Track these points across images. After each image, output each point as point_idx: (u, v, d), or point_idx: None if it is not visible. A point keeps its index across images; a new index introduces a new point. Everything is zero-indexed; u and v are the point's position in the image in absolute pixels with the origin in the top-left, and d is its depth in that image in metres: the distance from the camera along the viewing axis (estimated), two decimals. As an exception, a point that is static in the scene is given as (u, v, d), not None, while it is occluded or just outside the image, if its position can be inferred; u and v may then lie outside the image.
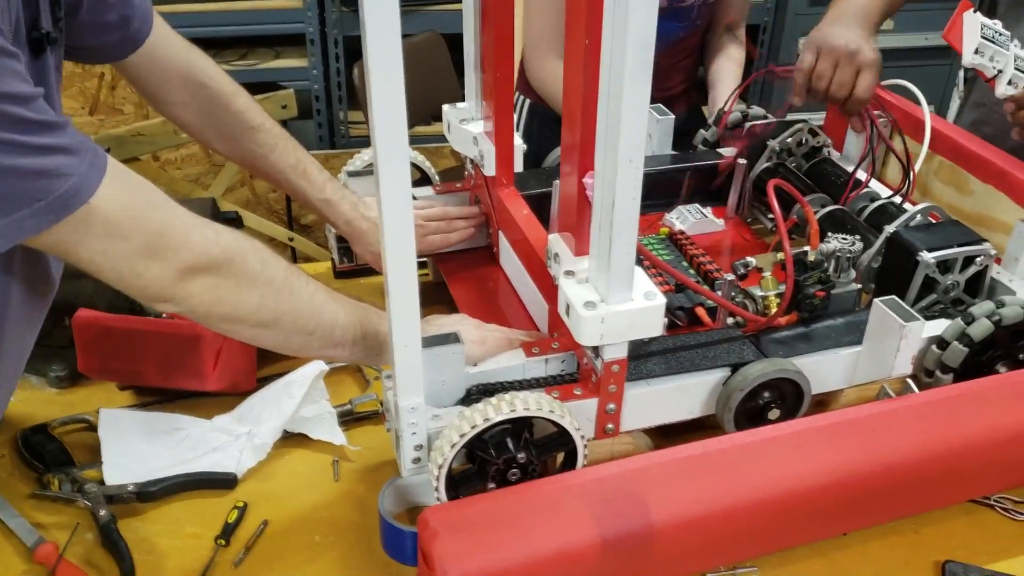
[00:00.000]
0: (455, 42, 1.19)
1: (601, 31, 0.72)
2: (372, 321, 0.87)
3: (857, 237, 1.02)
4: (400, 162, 0.68)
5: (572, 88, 0.81)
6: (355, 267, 1.21)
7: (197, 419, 1.00)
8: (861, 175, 1.23)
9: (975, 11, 1.14)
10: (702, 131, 1.38)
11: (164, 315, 1.00)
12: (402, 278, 0.73)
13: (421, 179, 1.27)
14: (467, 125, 1.11)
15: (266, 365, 1.06)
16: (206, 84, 1.01)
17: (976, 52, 1.13)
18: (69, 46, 0.83)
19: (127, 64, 0.96)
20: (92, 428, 0.99)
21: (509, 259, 1.13)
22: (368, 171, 1.19)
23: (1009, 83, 1.15)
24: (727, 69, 1.61)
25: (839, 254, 1.00)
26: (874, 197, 1.20)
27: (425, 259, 1.21)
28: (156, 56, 0.96)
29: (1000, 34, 1.14)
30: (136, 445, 0.96)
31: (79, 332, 1.01)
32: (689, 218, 1.24)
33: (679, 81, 1.66)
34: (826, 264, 0.99)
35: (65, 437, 0.99)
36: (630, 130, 0.72)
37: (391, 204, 0.69)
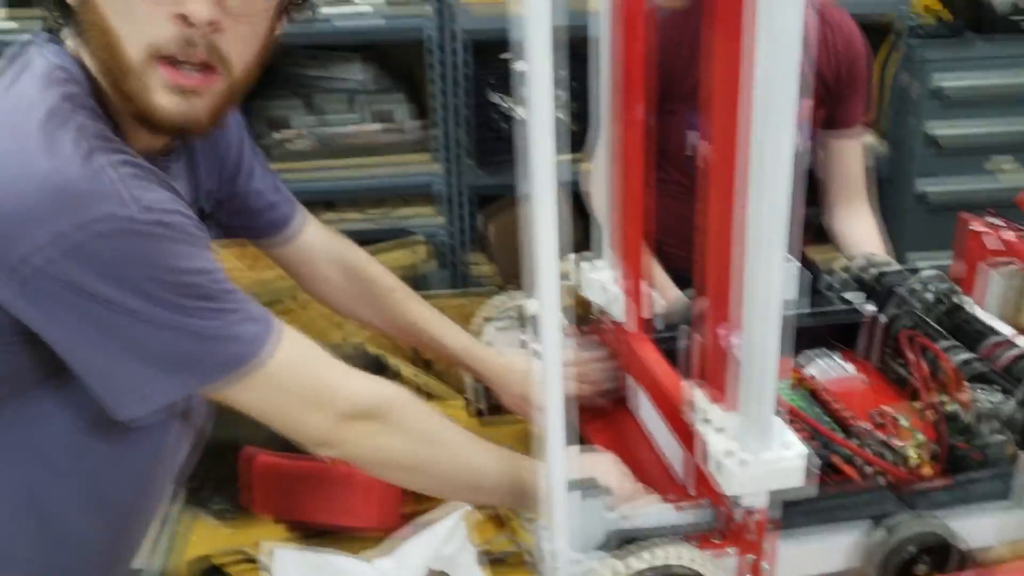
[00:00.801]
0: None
1: (739, 188, 0.77)
2: (518, 468, 0.91)
3: (1000, 389, 1.00)
4: (554, 308, 0.76)
5: (711, 240, 0.85)
6: (492, 410, 1.25)
7: (356, 559, 1.04)
8: (998, 325, 1.21)
9: None
10: (828, 278, 1.39)
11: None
12: (555, 426, 0.77)
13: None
14: (596, 273, 1.16)
15: (412, 504, 1.10)
16: (344, 257, 1.12)
17: None
18: (218, 226, 0.96)
19: (273, 248, 1.08)
20: (253, 560, 1.05)
21: (643, 405, 1.15)
22: (507, 318, 1.26)
23: None
24: (865, 232, 1.60)
25: (984, 407, 0.99)
26: (1012, 346, 1.18)
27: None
28: (299, 239, 1.08)
29: None
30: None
31: (253, 472, 1.09)
32: (822, 365, 1.24)
33: None
34: (970, 418, 0.98)
35: (231, 569, 1.05)
36: (772, 280, 0.76)
37: (548, 352, 0.76)
